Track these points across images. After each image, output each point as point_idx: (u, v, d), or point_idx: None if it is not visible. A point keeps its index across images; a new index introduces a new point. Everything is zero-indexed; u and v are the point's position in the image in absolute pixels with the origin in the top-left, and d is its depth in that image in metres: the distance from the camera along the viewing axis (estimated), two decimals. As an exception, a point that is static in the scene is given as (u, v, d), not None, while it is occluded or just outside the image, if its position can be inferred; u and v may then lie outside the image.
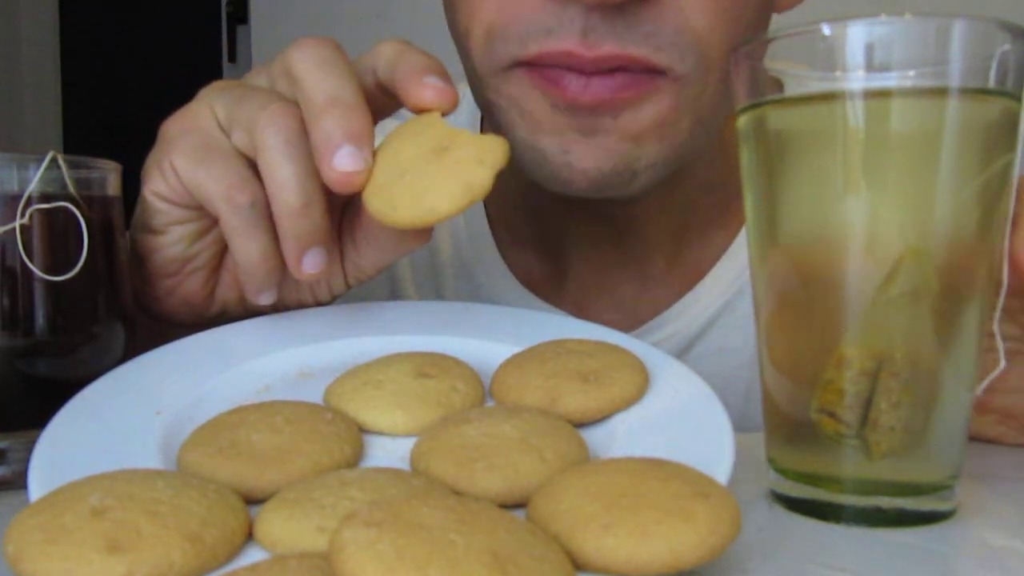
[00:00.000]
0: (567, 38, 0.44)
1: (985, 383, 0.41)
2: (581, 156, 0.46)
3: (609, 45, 0.43)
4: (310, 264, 0.41)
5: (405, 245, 0.43)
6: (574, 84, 0.44)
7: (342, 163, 0.38)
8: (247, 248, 0.41)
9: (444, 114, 0.40)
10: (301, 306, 0.47)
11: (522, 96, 0.46)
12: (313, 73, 0.40)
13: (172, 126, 0.43)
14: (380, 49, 0.43)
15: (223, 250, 0.46)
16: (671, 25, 0.44)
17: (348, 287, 0.47)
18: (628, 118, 0.46)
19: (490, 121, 0.51)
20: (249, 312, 0.47)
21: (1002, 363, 0.40)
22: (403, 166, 0.38)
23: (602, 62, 0.44)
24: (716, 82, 0.46)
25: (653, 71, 0.45)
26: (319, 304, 0.47)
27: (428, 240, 0.43)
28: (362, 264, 0.45)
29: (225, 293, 0.47)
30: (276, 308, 0.47)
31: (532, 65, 0.45)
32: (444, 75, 0.41)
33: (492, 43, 0.46)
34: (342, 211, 0.45)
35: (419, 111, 0.41)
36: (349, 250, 0.45)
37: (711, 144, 0.53)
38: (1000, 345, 0.40)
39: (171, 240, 0.44)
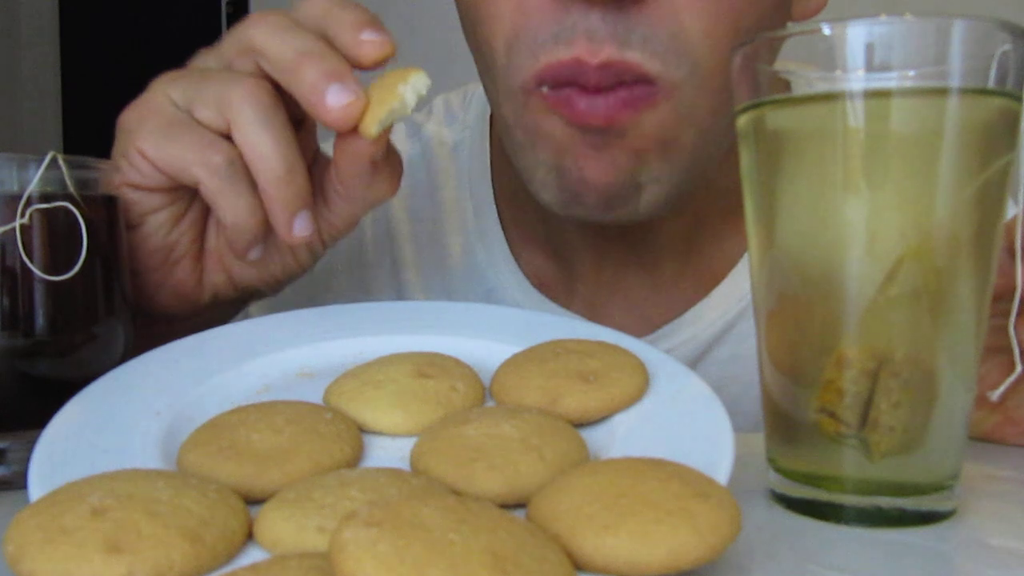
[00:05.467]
0: (574, 43, 0.44)
1: (1003, 388, 0.41)
2: (593, 171, 0.48)
3: (609, 48, 0.44)
4: (300, 228, 0.42)
5: (373, 194, 0.44)
6: (584, 104, 0.45)
7: (336, 99, 0.39)
8: (234, 206, 0.42)
9: (385, 63, 0.42)
10: (285, 272, 0.48)
11: (541, 120, 0.48)
12: (274, 38, 0.41)
13: (129, 117, 0.43)
14: (307, 9, 0.43)
15: (202, 235, 0.47)
16: (666, 30, 0.44)
17: (324, 247, 0.48)
18: (633, 135, 0.47)
19: (506, 139, 0.52)
20: (240, 293, 0.48)
21: (1019, 368, 0.40)
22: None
23: (604, 69, 0.44)
24: (714, 91, 0.46)
25: (646, 80, 0.45)
26: (302, 269, 0.49)
27: (394, 193, 0.45)
28: (334, 220, 0.46)
29: (213, 277, 0.47)
30: (262, 279, 0.48)
31: (543, 82, 0.46)
32: (379, 27, 0.42)
33: (511, 58, 0.47)
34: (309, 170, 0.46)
35: (358, 67, 0.42)
36: (321, 208, 0.46)
37: (719, 151, 0.53)
38: (1016, 350, 0.40)
39: (149, 230, 0.44)
